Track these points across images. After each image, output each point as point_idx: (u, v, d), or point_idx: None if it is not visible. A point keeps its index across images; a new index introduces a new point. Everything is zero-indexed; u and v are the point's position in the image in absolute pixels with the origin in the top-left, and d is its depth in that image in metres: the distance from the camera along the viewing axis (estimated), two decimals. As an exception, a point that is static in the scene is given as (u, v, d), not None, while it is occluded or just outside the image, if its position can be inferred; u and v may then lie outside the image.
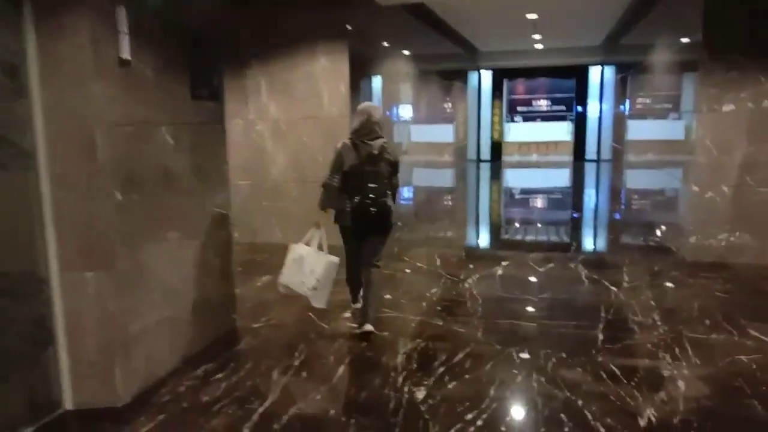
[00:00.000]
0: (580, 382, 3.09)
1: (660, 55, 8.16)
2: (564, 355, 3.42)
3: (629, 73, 13.55)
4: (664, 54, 7.93)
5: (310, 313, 4.17)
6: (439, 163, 15.94)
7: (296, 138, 6.37)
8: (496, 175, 15.22)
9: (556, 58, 15.16)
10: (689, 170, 5.78)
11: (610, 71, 15.66)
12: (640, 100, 13.62)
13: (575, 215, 8.81)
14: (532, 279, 5.05)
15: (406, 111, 10.47)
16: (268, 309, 4.36)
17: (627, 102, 14.22)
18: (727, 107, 5.20)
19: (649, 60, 9.62)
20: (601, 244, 6.76)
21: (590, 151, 16.43)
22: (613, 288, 4.71)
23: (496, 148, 17.47)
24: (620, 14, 9.93)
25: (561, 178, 14.91)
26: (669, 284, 4.81)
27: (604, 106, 16.01)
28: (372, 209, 3.70)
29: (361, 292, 3.94)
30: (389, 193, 3.80)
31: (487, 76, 16.96)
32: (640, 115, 13.57)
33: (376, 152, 3.72)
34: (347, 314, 4.20)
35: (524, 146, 19.53)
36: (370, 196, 3.69)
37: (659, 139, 12.41)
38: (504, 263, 5.54)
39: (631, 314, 4.10)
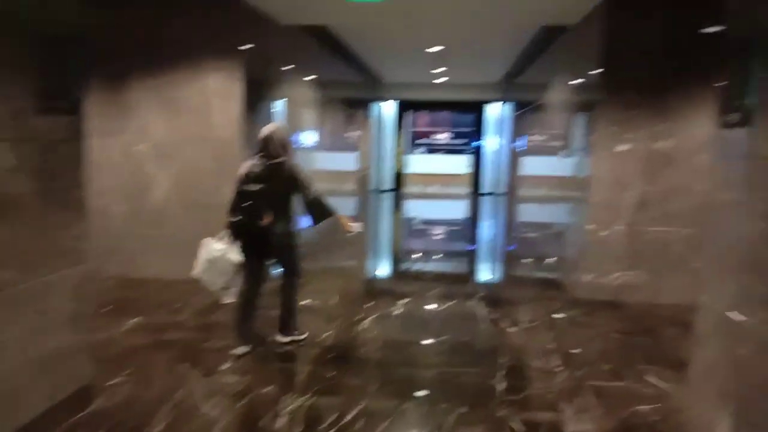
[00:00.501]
0: (483, 443, 2.80)
1: (553, 95, 8.44)
2: (465, 409, 3.12)
3: (525, 111, 14.07)
4: (556, 94, 8.20)
5: (181, 365, 3.63)
6: (342, 192, 15.65)
7: (182, 160, 5.78)
8: (397, 205, 15.15)
9: (457, 93, 15.48)
10: (580, 207, 5.85)
11: (507, 108, 16.22)
12: (533, 137, 14.19)
13: (472, 247, 8.79)
14: (432, 319, 4.78)
15: (309, 137, 10.13)
16: (134, 358, 3.76)
17: (522, 138, 14.76)
18: (622, 146, 5.28)
19: (543, 99, 9.97)
20: (498, 280, 6.67)
21: (487, 185, 16.83)
22: (512, 329, 4.53)
23: (399, 178, 17.48)
24: (518, 52, 10.24)
25: (459, 210, 15.10)
26: (566, 325, 4.71)
27: (501, 142, 16.52)
28: (247, 230, 3.76)
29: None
30: (282, 215, 3.79)
31: (390, 107, 17.01)
32: (533, 151, 14.12)
33: (258, 171, 3.76)
34: (226, 365, 3.68)
35: (425, 177, 19.75)
36: (248, 215, 3.75)
37: (550, 174, 13.01)
38: (403, 300, 5.25)
39: (531, 359, 3.92)
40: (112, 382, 3.39)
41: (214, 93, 5.67)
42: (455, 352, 4.04)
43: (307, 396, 3.24)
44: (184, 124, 5.73)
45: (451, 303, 5.24)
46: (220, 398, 3.22)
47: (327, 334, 4.32)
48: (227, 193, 5.74)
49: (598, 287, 5.45)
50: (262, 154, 3.79)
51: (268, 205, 3.74)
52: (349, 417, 3.00)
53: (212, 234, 5.50)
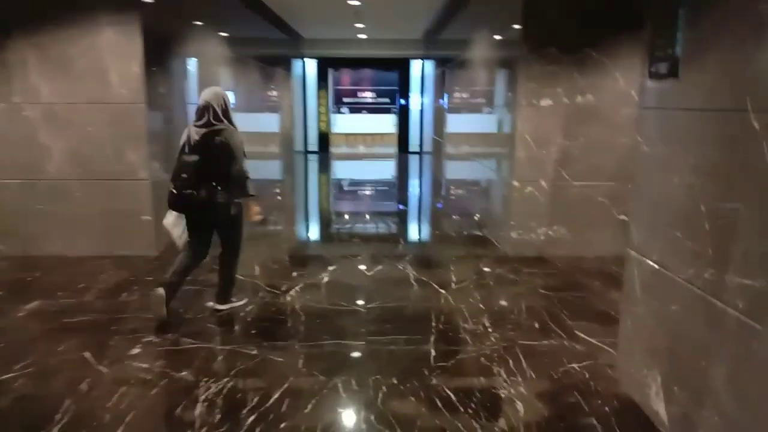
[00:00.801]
0: (415, 415, 2.67)
1: (475, 51, 8.31)
2: (395, 380, 2.99)
3: (447, 68, 13.95)
4: (478, 50, 8.07)
5: (86, 353, 3.29)
6: (265, 155, 15.05)
7: (78, 127, 5.23)
8: (324, 167, 14.80)
9: (379, 50, 15.12)
10: (504, 163, 5.81)
11: (430, 65, 16.05)
12: (457, 94, 14.14)
13: (401, 207, 8.68)
14: (360, 285, 4.62)
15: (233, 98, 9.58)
16: (31, 349, 3.37)
17: (446, 96, 14.67)
18: (545, 102, 5.22)
19: (466, 55, 9.83)
20: (427, 239, 6.59)
21: (413, 144, 16.74)
22: (442, 290, 4.45)
23: (324, 139, 17.04)
24: (439, 7, 10.01)
25: (387, 170, 14.96)
26: (495, 283, 4.68)
27: (425, 100, 16.39)
28: (178, 200, 3.65)
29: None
30: (214, 184, 3.62)
31: (311, 65, 16.43)
32: (457, 109, 14.10)
33: (196, 139, 3.62)
34: (136, 350, 3.37)
35: (351, 138, 19.42)
36: (177, 185, 3.64)
37: (475, 132, 13.06)
38: (331, 267, 5.05)
39: (462, 321, 3.84)
40: (6, 376, 3.02)
41: (110, 50, 5.12)
42: (385, 320, 3.90)
43: (226, 379, 3.01)
44: (77, 85, 5.15)
45: (380, 267, 5.09)
46: (130, 387, 2.93)
47: (249, 308, 4.07)
48: (131, 162, 5.32)
49: (524, 243, 5.46)
50: (200, 121, 3.65)
51: (207, 175, 3.60)
52: (272, 399, 2.80)
53: (116, 206, 5.07)
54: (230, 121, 3.72)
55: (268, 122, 15.85)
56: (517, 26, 5.26)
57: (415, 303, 4.23)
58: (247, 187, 3.68)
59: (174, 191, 3.63)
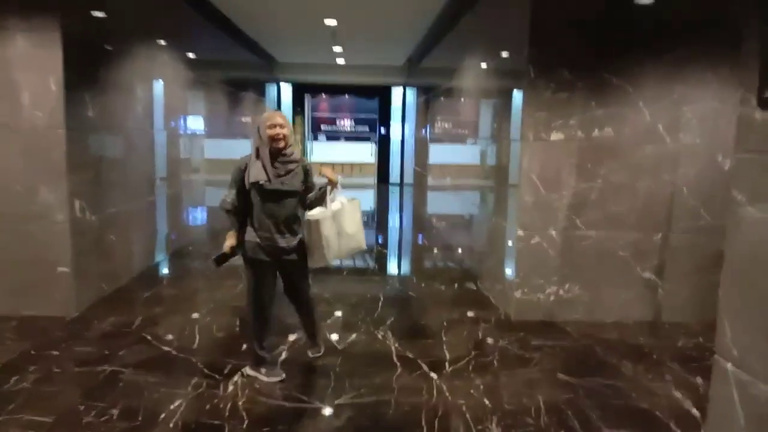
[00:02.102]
0: None
1: (460, 79, 7.54)
2: None
3: (430, 97, 13.16)
4: (464, 77, 7.30)
5: None
6: (234, 184, 14.08)
7: (-19, 156, 4.19)
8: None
9: (359, 76, 14.31)
10: (499, 202, 4.94)
11: (412, 93, 15.28)
12: (439, 124, 13.37)
13: (380, 240, 7.71)
14: (328, 366, 3.60)
15: (196, 123, 8.65)
16: None
17: (428, 126, 13.88)
18: (556, 135, 4.34)
19: (449, 84, 9.06)
20: (412, 293, 5.59)
21: (394, 174, 15.86)
22: (433, 375, 3.46)
23: (298, 168, 16.10)
24: (423, 30, 9.23)
25: (365, 200, 14.04)
26: (500, 363, 3.70)
27: (407, 129, 15.59)
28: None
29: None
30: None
31: (287, 90, 15.56)
32: (440, 139, 13.30)
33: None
34: None
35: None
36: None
37: (458, 163, 12.24)
38: (292, 336, 4.03)
39: (463, 425, 2.85)
40: None
41: (21, 62, 4.12)
42: (359, 428, 2.88)
43: None
44: (-21, 105, 4.13)
45: (354, 336, 4.08)
46: None
47: (176, 404, 3.02)
48: (45, 200, 4.25)
49: (530, 305, 4.51)
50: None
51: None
52: None
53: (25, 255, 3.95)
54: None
55: (241, 150, 14.73)
56: (518, 47, 4.41)
57: (399, 397, 3.21)
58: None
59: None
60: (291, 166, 3.12)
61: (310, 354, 3.69)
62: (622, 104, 4.33)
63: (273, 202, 3.10)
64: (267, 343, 3.39)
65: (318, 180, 3.32)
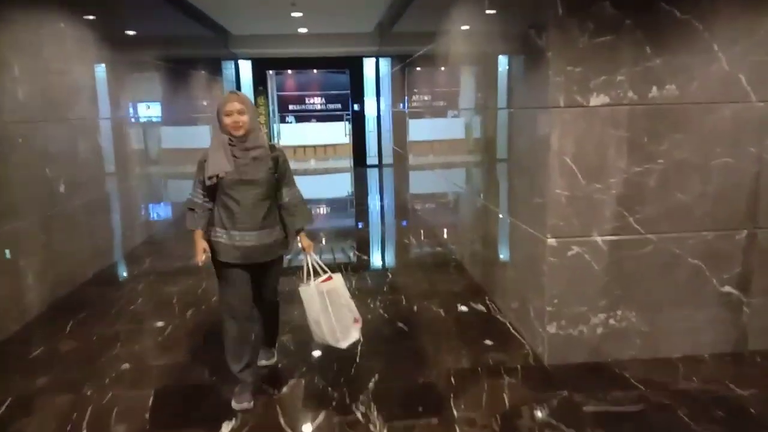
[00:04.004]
0: None
1: (437, 45, 6.19)
2: None
3: (406, 66, 11.70)
4: (441, 43, 5.96)
5: None
6: (191, 175, 12.55)
7: None
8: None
9: (325, 47, 12.74)
10: (513, 197, 3.66)
11: (386, 64, 13.79)
12: (417, 96, 11.94)
13: (360, 226, 6.35)
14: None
15: (148, 110, 7.32)
16: None
17: (406, 99, 12.45)
18: (597, 99, 2.99)
19: (426, 50, 7.67)
20: (402, 325, 4.24)
21: (371, 155, 14.42)
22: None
23: (265, 154, 14.51)
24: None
25: (342, 185, 12.64)
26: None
27: (382, 104, 14.12)
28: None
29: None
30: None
31: (246, 67, 13.94)
32: (419, 113, 11.87)
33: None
34: None
35: (300, 151, 17.01)
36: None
37: (443, 139, 10.82)
38: (230, 423, 2.68)
39: None
40: None
41: None
42: None
43: None
44: None
45: (323, 413, 2.75)
46: None
47: None
48: None
49: (569, 341, 3.21)
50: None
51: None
52: None
53: None
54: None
55: (200, 137, 13.25)
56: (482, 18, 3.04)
57: None
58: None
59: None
60: (254, 153, 2.77)
61: (261, 362, 3.21)
62: (690, 49, 2.99)
63: (239, 194, 2.76)
64: (247, 361, 2.89)
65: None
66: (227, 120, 2.70)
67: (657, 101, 3.02)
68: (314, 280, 2.81)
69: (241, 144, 2.73)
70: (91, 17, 5.38)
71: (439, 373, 3.16)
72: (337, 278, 2.88)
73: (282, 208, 2.90)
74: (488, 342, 3.53)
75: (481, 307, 4.13)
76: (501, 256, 4.13)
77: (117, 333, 3.83)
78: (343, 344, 2.81)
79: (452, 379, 3.07)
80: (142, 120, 7.03)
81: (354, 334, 2.85)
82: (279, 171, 2.86)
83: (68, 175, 4.79)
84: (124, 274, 5.30)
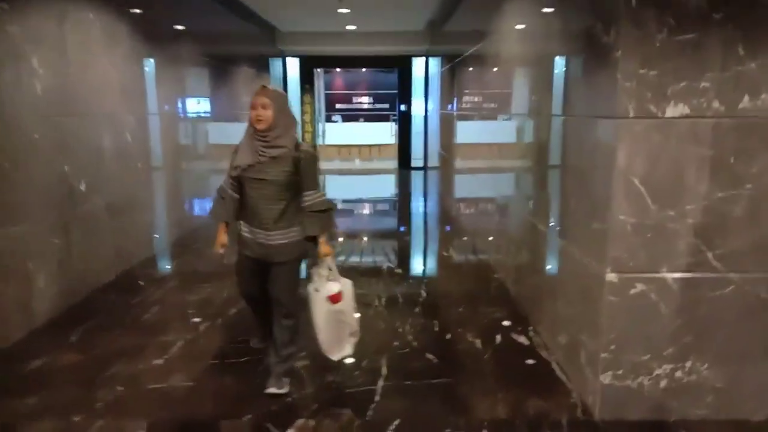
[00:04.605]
0: None
1: (489, 44, 5.73)
2: None
3: (456, 66, 11.21)
4: (493, 42, 5.50)
5: None
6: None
7: None
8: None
9: (373, 45, 12.36)
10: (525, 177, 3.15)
11: (435, 63, 13.31)
12: (467, 98, 11.40)
13: (403, 229, 5.94)
14: None
15: (197, 105, 7.28)
16: None
17: (455, 100, 11.95)
18: (675, 109, 2.49)
19: (477, 49, 7.20)
20: (434, 366, 3.82)
21: (416, 157, 13.96)
22: None
23: (309, 152, 14.21)
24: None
25: (387, 186, 12.27)
26: None
27: (430, 105, 13.65)
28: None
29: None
30: None
31: (293, 65, 13.73)
32: (467, 116, 11.33)
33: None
34: None
35: (345, 150, 16.74)
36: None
37: (492, 142, 10.21)
38: None
39: None
40: None
41: None
42: None
43: None
44: None
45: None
46: None
47: None
48: None
49: (627, 394, 2.72)
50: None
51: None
52: None
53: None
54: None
55: (240, 134, 13.06)
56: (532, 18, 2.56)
57: None
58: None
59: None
60: (273, 152, 2.74)
61: (271, 389, 2.90)
62: (793, 50, 2.45)
63: (254, 191, 2.80)
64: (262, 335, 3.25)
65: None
66: (252, 113, 2.72)
67: (749, 114, 2.49)
68: (325, 287, 2.83)
69: (263, 140, 2.74)
70: (129, 10, 5.21)
71: (469, 422, 2.71)
72: (347, 289, 2.91)
73: (304, 210, 2.85)
74: (529, 387, 3.06)
75: (523, 340, 3.66)
76: (549, 284, 3.65)
77: (122, 347, 3.54)
78: (335, 357, 2.93)
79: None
80: (184, 115, 6.92)
81: (347, 349, 2.94)
82: (300, 172, 2.79)
83: (91, 173, 4.57)
84: (148, 277, 5.05)
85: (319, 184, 2.88)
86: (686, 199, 2.55)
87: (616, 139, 2.54)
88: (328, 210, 2.88)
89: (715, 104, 2.48)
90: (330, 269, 2.87)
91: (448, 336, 3.73)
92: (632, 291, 2.62)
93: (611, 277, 2.62)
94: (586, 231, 2.91)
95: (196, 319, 3.99)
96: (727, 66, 2.45)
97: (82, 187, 4.46)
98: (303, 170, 2.78)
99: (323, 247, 2.88)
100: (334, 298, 2.83)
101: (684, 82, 2.46)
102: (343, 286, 2.90)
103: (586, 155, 2.97)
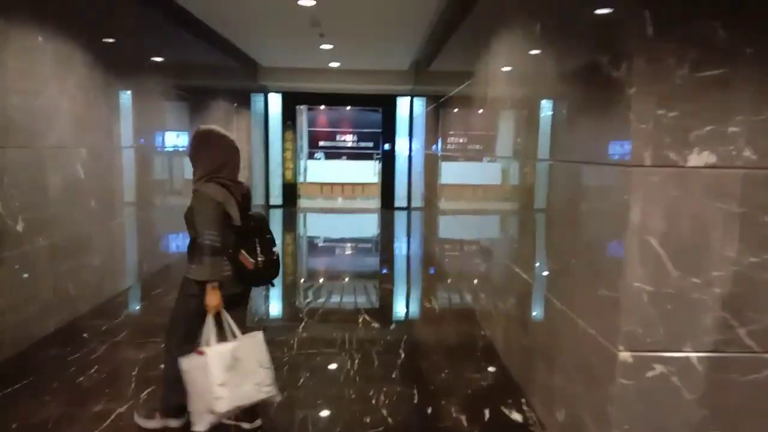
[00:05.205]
0: None
1: (475, 85, 5.44)
2: None
3: (441, 106, 10.96)
4: (480, 83, 5.21)
5: None
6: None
7: None
8: (289, 222, 11.72)
9: (357, 83, 12.13)
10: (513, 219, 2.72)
11: (420, 103, 13.09)
12: (452, 139, 11.14)
13: (385, 271, 5.45)
14: None
15: (174, 139, 6.88)
16: None
17: (440, 140, 11.67)
18: (698, 157, 2.11)
19: (463, 91, 6.93)
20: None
21: (399, 197, 13.59)
22: None
23: (290, 190, 13.76)
24: (431, 19, 7.08)
25: (369, 225, 11.83)
26: None
27: (414, 145, 13.37)
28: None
29: None
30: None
31: (275, 101, 13.40)
32: (452, 156, 11.04)
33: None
34: None
35: (327, 188, 16.34)
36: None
37: (475, 183, 9.89)
38: None
39: None
40: None
41: None
42: None
43: None
44: None
45: None
46: None
47: None
48: None
49: (641, 499, 2.25)
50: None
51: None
52: None
53: None
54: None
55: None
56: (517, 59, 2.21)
57: None
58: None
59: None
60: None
61: (244, 426, 2.81)
62: (835, 92, 2.09)
63: None
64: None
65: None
66: None
67: (784, 164, 2.11)
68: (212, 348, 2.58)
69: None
70: (101, 39, 4.84)
71: None
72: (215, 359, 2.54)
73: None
74: (524, 478, 2.58)
75: (516, 416, 3.17)
76: (544, 350, 3.19)
77: (46, 419, 3.00)
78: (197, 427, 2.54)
79: None
80: (161, 149, 6.53)
81: (201, 425, 2.51)
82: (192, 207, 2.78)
83: (31, 211, 4.08)
84: (94, 329, 4.50)
85: (206, 225, 2.62)
86: (712, 264, 2.14)
87: (629, 191, 2.14)
88: (205, 253, 2.60)
89: (747, 152, 2.10)
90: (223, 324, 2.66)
91: (429, 410, 3.24)
92: (650, 373, 2.18)
93: (624, 356, 2.18)
94: (591, 299, 2.48)
95: (140, 383, 3.46)
96: (760, 108, 2.08)
97: (19, 228, 3.95)
98: (193, 202, 2.77)
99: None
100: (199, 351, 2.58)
101: (709, 126, 2.09)
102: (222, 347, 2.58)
103: (590, 209, 2.56)
